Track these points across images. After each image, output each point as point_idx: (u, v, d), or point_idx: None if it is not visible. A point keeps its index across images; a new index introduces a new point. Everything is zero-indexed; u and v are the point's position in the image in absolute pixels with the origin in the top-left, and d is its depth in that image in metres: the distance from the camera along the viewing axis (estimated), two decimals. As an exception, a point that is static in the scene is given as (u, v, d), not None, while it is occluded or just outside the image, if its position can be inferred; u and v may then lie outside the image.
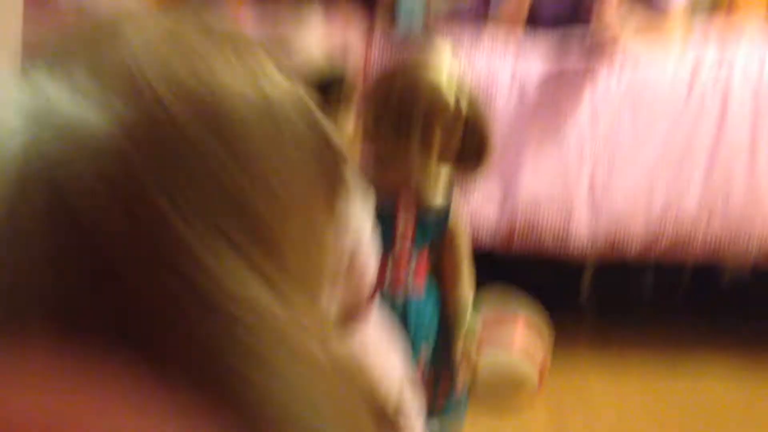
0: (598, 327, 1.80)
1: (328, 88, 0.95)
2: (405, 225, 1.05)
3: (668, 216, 1.52)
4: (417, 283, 1.07)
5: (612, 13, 1.50)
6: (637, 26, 1.58)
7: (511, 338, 1.45)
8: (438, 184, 1.06)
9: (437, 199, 1.07)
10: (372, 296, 0.93)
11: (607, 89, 1.55)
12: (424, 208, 1.08)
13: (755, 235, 1.50)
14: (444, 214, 1.10)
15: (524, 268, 1.82)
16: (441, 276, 1.12)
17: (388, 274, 1.02)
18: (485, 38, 1.68)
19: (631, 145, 1.53)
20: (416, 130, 1.02)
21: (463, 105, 1.04)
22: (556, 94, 1.56)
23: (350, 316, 0.80)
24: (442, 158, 1.05)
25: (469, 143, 1.07)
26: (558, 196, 1.53)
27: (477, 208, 1.53)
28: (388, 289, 1.03)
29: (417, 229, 1.07)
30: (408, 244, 1.05)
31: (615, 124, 1.54)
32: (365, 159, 1.04)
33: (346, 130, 0.97)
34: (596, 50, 1.52)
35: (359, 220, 0.82)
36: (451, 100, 1.03)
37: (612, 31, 1.50)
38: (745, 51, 1.63)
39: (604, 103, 1.54)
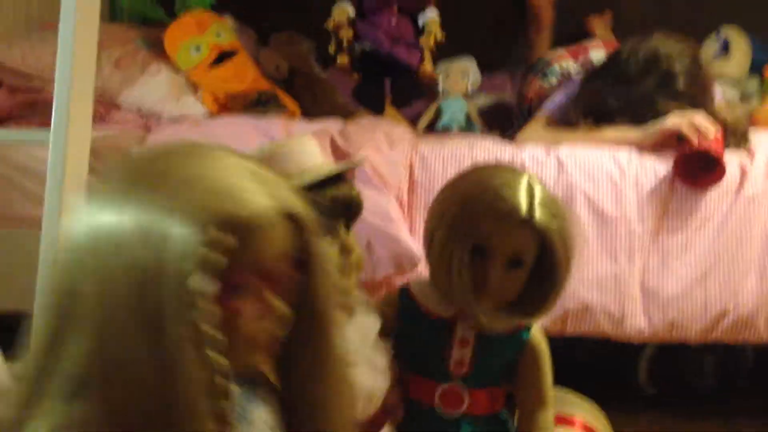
0: (658, 414, 1.75)
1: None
2: (460, 353, 0.93)
3: (726, 302, 1.49)
4: (475, 410, 0.94)
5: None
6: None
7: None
8: (501, 306, 0.90)
9: (501, 323, 0.92)
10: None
11: (652, 182, 1.55)
12: (486, 334, 0.93)
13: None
14: (515, 337, 0.95)
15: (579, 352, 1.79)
16: (518, 402, 0.98)
17: (436, 399, 0.93)
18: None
19: (681, 236, 1.52)
20: (472, 237, 0.86)
21: (539, 216, 0.87)
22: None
23: None
24: (509, 279, 0.88)
25: (543, 264, 0.89)
26: (610, 285, 1.52)
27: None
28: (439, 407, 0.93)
29: (477, 359, 0.93)
30: (463, 370, 0.93)
31: (664, 217, 1.53)
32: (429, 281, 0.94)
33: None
34: None
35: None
36: (521, 204, 0.86)
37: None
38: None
39: (652, 194, 1.54)
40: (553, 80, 1.96)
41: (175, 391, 0.52)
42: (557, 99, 1.81)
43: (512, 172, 0.91)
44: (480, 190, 0.89)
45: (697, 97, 1.62)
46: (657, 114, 1.58)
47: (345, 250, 0.85)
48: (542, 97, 1.90)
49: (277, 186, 0.58)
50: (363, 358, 0.85)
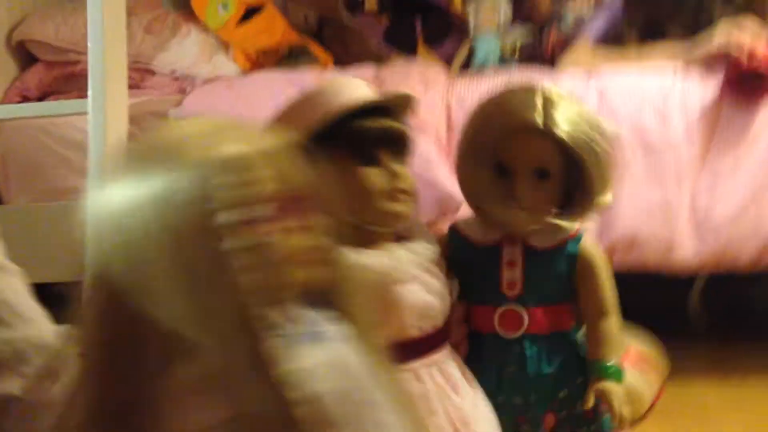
0: (712, 345, 1.74)
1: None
2: (511, 274, 0.94)
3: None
4: (536, 329, 0.94)
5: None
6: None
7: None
8: (544, 219, 0.91)
9: (547, 239, 0.93)
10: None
11: (698, 105, 1.50)
12: (533, 252, 0.93)
13: None
14: (562, 250, 0.94)
15: (628, 286, 1.77)
16: (583, 315, 0.97)
17: (496, 322, 0.94)
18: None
19: (731, 156, 1.48)
20: (491, 156, 0.90)
21: (555, 125, 0.89)
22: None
23: None
24: (538, 191, 0.91)
25: (578, 176, 0.90)
26: (659, 213, 1.49)
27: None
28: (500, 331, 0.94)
29: (528, 278, 0.93)
30: (516, 290, 0.94)
31: (712, 138, 1.49)
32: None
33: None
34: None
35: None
36: (533, 115, 0.89)
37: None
38: None
39: (699, 116, 1.50)
40: (570, 25, 1.91)
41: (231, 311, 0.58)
42: (598, 19, 1.75)
43: (527, 88, 0.93)
44: (493, 109, 0.93)
45: (755, 2, 1.56)
46: (711, 19, 1.53)
47: (392, 176, 0.87)
48: (563, 44, 1.85)
49: (252, 132, 0.66)
50: (414, 277, 0.88)
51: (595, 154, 0.89)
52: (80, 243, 1.22)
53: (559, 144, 0.88)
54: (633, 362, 1.43)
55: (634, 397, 1.41)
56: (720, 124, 1.49)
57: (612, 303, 0.96)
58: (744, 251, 1.47)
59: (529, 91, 0.92)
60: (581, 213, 0.93)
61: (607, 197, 0.93)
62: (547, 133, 0.88)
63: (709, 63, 1.53)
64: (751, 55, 1.46)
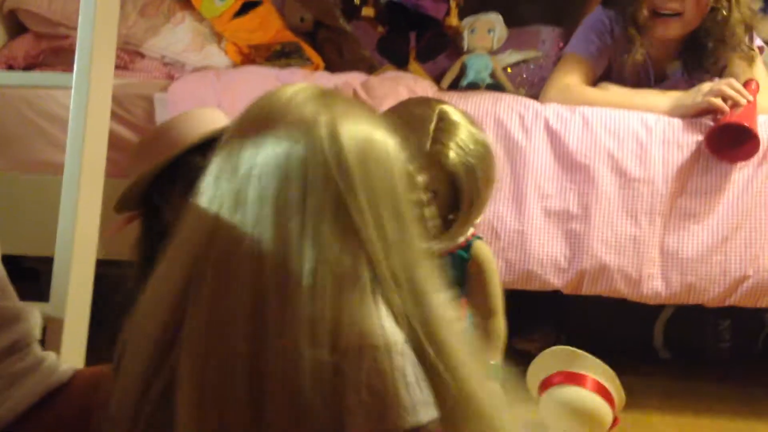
0: (671, 378, 1.76)
1: None
2: None
3: (746, 267, 1.48)
4: None
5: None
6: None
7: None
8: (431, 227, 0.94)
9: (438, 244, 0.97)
10: None
11: (679, 143, 1.52)
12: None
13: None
14: (454, 257, 1.00)
15: (594, 313, 1.79)
16: (472, 312, 1.02)
17: None
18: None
19: (704, 199, 1.50)
20: None
21: (446, 154, 0.94)
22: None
23: None
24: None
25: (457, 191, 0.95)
26: (629, 246, 1.50)
27: (545, 248, 1.51)
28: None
29: None
30: None
31: (689, 179, 1.51)
32: None
33: None
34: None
35: None
36: (427, 142, 0.93)
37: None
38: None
39: (678, 156, 1.52)
40: None
41: None
42: (578, 35, 1.78)
43: (423, 109, 0.97)
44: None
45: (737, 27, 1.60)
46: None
47: None
48: None
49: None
50: None
51: (475, 181, 0.95)
52: (53, 217, 1.19)
53: (444, 170, 0.94)
54: (590, 389, 1.44)
55: (593, 422, 1.43)
56: (698, 166, 1.51)
57: (499, 304, 1.03)
58: (710, 292, 1.49)
59: (425, 112, 0.96)
60: (456, 233, 0.98)
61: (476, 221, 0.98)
62: (433, 160, 0.93)
63: (695, 114, 1.56)
64: (734, 106, 1.50)
